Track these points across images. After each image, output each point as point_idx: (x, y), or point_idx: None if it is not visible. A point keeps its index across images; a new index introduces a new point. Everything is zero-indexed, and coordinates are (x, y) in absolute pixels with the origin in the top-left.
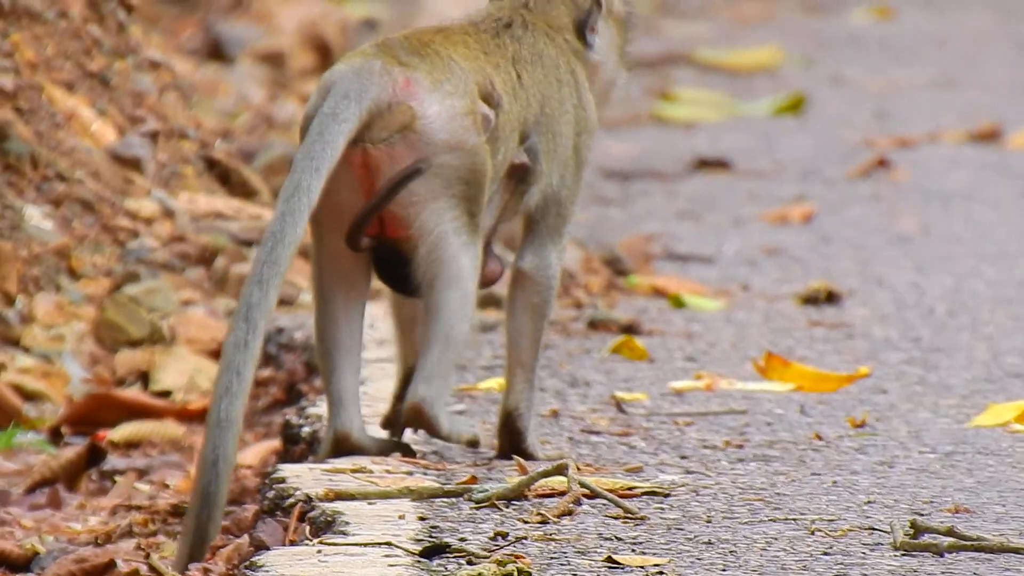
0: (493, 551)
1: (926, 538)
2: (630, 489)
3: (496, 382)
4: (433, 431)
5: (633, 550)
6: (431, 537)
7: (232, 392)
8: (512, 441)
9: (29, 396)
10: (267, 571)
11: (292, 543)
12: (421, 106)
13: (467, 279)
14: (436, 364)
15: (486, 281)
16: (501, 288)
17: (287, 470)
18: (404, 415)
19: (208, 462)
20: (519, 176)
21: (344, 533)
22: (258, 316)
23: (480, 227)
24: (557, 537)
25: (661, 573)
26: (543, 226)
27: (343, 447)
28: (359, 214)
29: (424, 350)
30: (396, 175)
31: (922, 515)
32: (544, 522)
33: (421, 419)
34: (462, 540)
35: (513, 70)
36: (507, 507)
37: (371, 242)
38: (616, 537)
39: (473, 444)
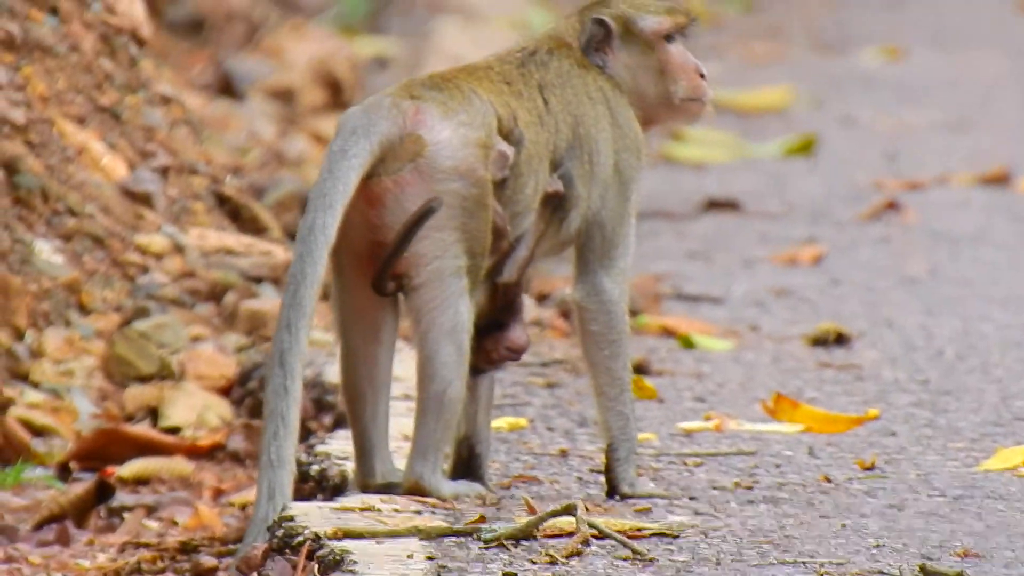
0: None
1: None
2: (639, 530)
3: (505, 421)
4: (437, 501)
5: None
6: None
7: (280, 436)
8: (608, 480)
9: (38, 431)
10: None
11: None
12: (430, 133)
13: (462, 331)
14: (431, 434)
15: (510, 352)
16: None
17: (296, 508)
18: (404, 490)
19: (264, 497)
20: (555, 204)
21: (352, 572)
22: (292, 360)
23: (480, 276)
24: None
25: None
26: (589, 252)
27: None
28: (382, 260)
29: (419, 416)
30: (410, 217)
31: (931, 559)
32: (553, 563)
33: (422, 494)
34: None
35: (540, 96)
36: (516, 547)
37: (396, 285)
38: None
39: (482, 499)
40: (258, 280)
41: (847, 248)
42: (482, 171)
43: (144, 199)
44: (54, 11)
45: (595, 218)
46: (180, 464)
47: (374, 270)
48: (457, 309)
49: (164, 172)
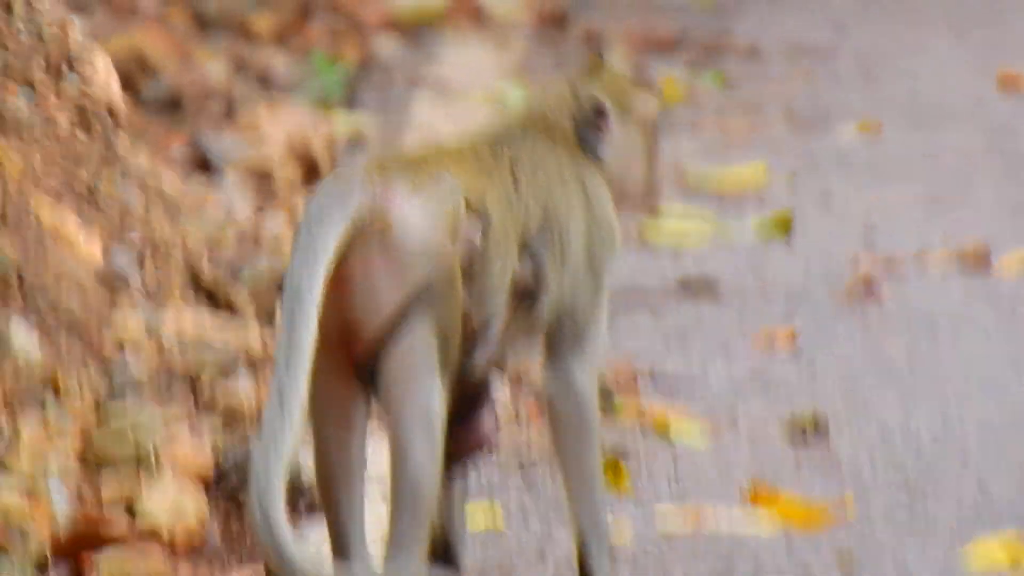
0: None
1: None
2: None
3: (480, 510)
4: None
5: None
6: None
7: (270, 458)
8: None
9: (11, 521)
10: None
11: None
12: (399, 211)
13: (435, 420)
14: (405, 533)
15: (479, 443)
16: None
17: None
18: None
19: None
20: (523, 289)
21: None
22: (291, 398)
23: (452, 360)
24: None
25: None
26: (559, 341)
27: None
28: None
29: (393, 512)
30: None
31: None
32: None
33: None
34: None
35: (511, 176)
36: None
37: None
38: None
39: None
40: (234, 363)
41: (824, 331)
42: (449, 250)
43: (119, 279)
44: (29, 85)
45: (567, 307)
46: (157, 559)
47: (348, 354)
48: (428, 394)
49: (140, 252)
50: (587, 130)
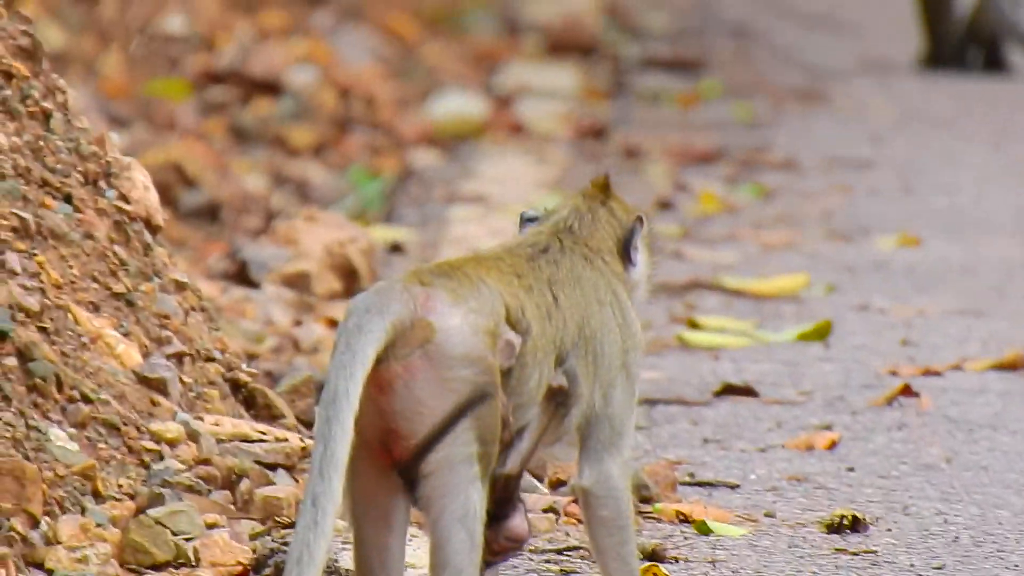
0: None
1: None
2: None
3: None
4: None
5: None
6: None
7: (303, 563)
8: None
9: None
10: None
11: None
12: (441, 320)
13: (474, 519)
14: None
15: (511, 541)
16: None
17: None
18: None
19: None
20: (558, 399)
21: None
22: (325, 502)
23: (492, 463)
24: None
25: None
26: (596, 441)
27: None
28: (418, 445)
29: None
30: (458, 404)
31: None
32: None
33: None
34: None
35: (549, 292)
36: None
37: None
38: None
39: None
40: (273, 467)
41: (863, 434)
42: (491, 359)
43: (159, 386)
44: (68, 199)
45: (601, 415)
46: None
47: (388, 456)
48: (468, 496)
49: (179, 359)
50: (627, 240)
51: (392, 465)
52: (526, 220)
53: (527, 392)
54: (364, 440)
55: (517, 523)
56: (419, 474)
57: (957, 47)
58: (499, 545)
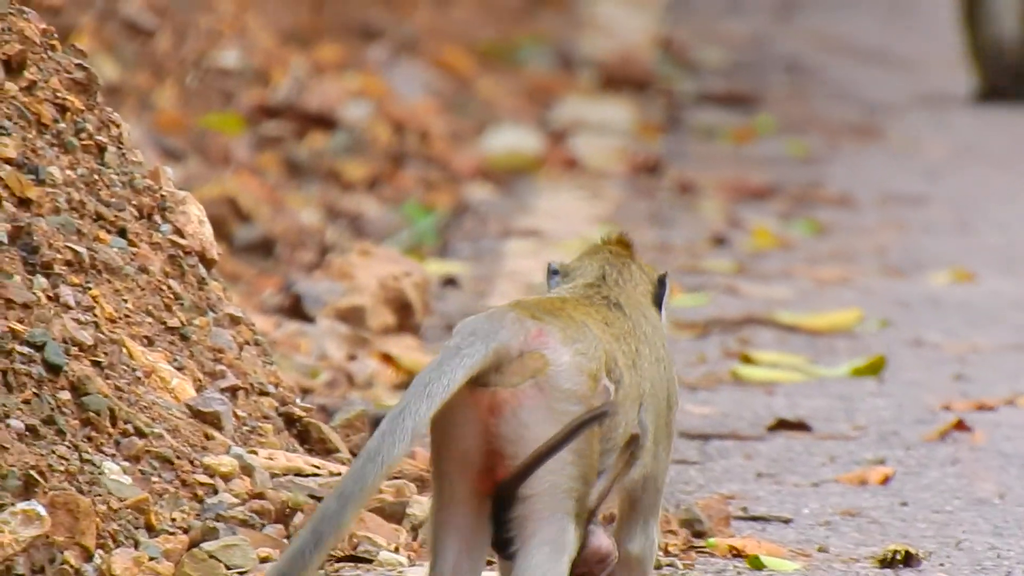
0: None
1: None
2: None
3: None
4: None
5: None
6: None
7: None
8: None
9: None
10: None
11: None
12: (554, 354)
13: (564, 547)
14: None
15: (599, 561)
16: None
17: None
18: None
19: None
20: (632, 447)
21: None
22: (327, 530)
23: (586, 503)
24: None
25: None
26: (644, 503)
27: None
28: (532, 457)
29: None
30: (581, 417)
31: None
32: None
33: None
34: None
35: (634, 344)
36: None
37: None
38: None
39: None
40: None
41: (916, 469)
42: (593, 400)
43: (212, 420)
44: (122, 233)
45: (651, 472)
46: None
47: (489, 479)
48: (564, 526)
49: (233, 393)
50: (659, 296)
51: (492, 488)
52: (552, 273)
53: (614, 439)
54: (464, 463)
55: (598, 543)
56: (519, 496)
57: (1013, 79)
58: (588, 568)
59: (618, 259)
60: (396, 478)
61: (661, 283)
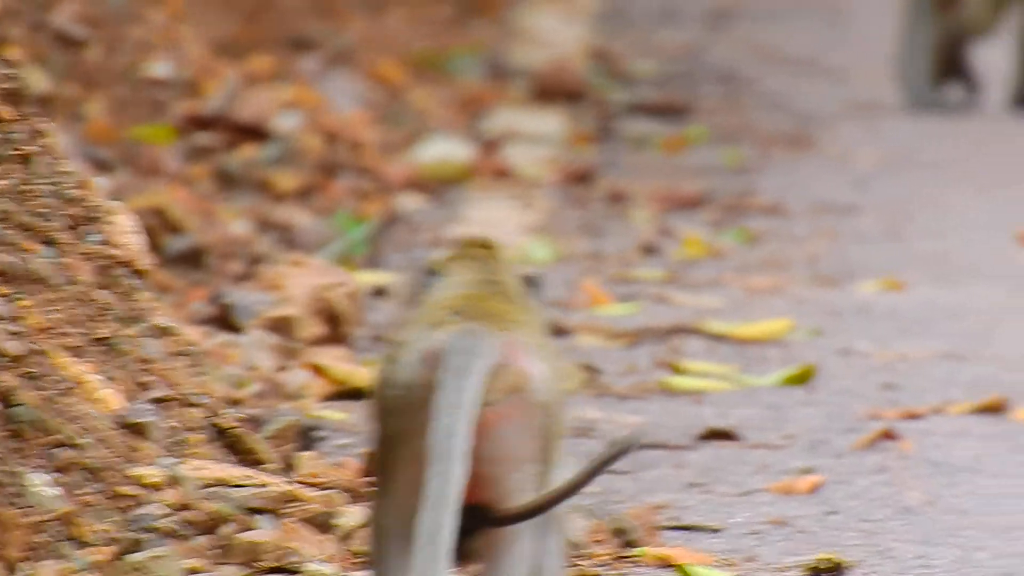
0: None
1: None
2: None
3: None
4: None
5: None
6: None
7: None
8: None
9: None
10: None
11: None
12: (528, 367)
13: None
14: None
15: None
16: None
17: None
18: None
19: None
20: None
21: None
22: (441, 545)
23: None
24: None
25: None
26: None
27: None
28: (561, 491)
29: None
30: (606, 454)
31: None
32: None
33: None
34: None
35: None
36: None
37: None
38: None
39: None
40: (256, 512)
41: (845, 478)
42: (560, 412)
43: (141, 431)
44: (51, 243)
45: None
46: None
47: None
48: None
49: (162, 404)
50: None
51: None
52: (430, 272)
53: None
54: None
55: None
56: (488, 520)
57: None
58: None
59: (490, 260)
60: (326, 488)
61: (531, 282)
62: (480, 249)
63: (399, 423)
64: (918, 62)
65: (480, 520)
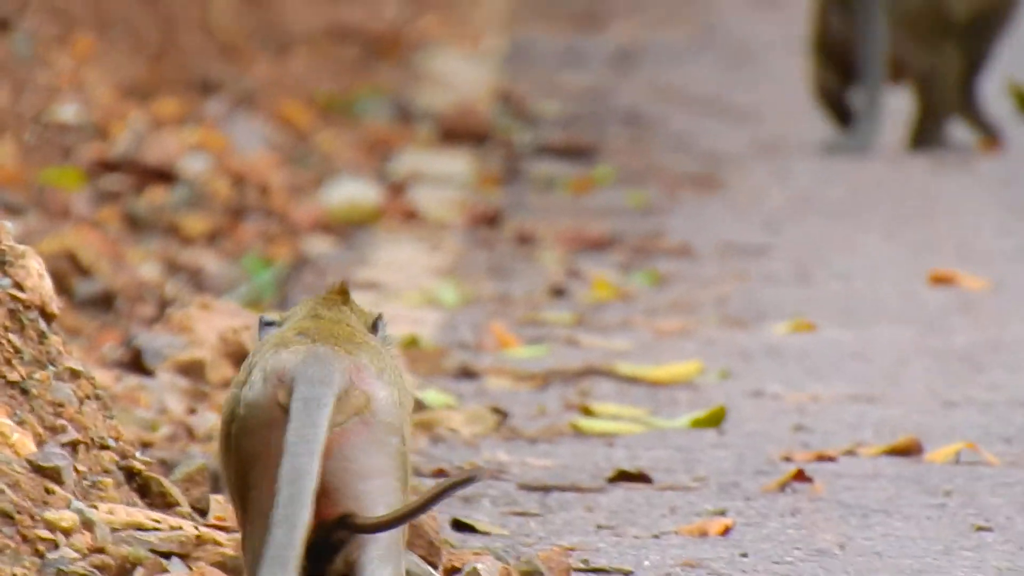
0: None
1: None
2: None
3: None
4: None
5: None
6: None
7: None
8: None
9: None
10: None
11: None
12: (373, 390)
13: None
14: None
15: None
16: None
17: None
18: None
19: None
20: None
21: None
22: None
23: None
24: None
25: None
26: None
27: None
28: (399, 515)
29: None
30: (451, 480)
31: None
32: None
33: None
34: None
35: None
36: None
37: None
38: None
39: None
40: (167, 555)
41: (756, 520)
42: (405, 431)
43: (53, 474)
44: None
45: None
46: None
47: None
48: (398, 549)
49: (73, 447)
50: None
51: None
52: (265, 324)
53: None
54: None
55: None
56: (340, 543)
57: None
58: None
59: (329, 302)
60: (237, 531)
61: (375, 326)
62: (333, 294)
63: (251, 444)
64: (822, 106)
65: (333, 533)
